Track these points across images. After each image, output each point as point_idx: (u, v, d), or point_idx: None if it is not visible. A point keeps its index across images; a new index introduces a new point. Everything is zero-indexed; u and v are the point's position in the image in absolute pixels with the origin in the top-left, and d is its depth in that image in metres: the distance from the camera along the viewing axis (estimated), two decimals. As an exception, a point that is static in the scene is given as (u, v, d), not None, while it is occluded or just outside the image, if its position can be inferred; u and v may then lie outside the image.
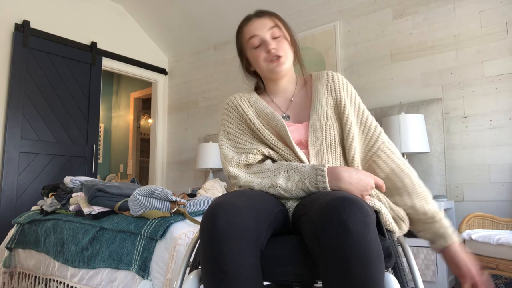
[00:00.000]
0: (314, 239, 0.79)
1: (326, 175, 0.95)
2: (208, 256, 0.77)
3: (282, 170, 1.02)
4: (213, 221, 0.78)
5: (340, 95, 1.14)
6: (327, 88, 1.16)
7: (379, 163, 1.10)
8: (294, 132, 1.12)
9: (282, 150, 1.08)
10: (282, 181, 1.00)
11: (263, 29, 1.15)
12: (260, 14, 1.18)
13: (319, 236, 0.77)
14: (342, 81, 1.17)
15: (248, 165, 1.09)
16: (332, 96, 1.15)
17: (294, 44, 1.21)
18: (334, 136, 1.09)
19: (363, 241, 0.73)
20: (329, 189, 0.95)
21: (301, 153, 1.06)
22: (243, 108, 1.18)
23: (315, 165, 0.99)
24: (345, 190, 0.95)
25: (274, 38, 1.15)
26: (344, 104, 1.12)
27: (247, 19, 1.19)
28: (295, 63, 1.24)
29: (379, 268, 0.74)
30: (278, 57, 1.13)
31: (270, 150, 1.10)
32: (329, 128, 1.09)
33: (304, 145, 1.10)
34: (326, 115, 1.12)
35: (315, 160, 1.07)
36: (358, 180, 0.96)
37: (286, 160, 1.08)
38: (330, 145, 1.08)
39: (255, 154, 1.09)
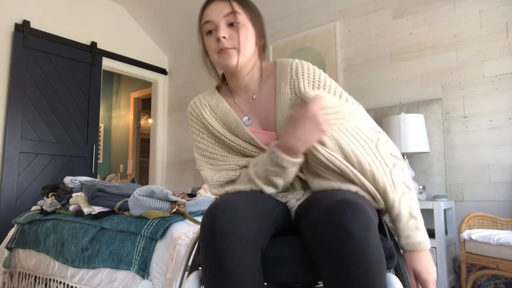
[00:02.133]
0: (314, 242, 0.78)
1: (281, 155, 0.93)
2: (209, 256, 0.76)
3: (251, 174, 0.98)
4: (213, 220, 0.77)
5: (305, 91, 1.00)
6: (290, 85, 1.01)
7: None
8: (266, 140, 1.03)
9: (258, 154, 1.03)
10: (259, 183, 0.97)
11: (219, 14, 0.99)
12: None
13: (319, 239, 0.76)
14: (308, 72, 1.01)
15: (230, 182, 1.03)
16: (297, 94, 1.00)
17: (260, 36, 1.05)
18: None
19: (364, 245, 0.72)
20: (292, 160, 0.93)
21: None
22: (205, 116, 1.08)
23: (268, 150, 0.97)
24: (304, 147, 0.92)
25: (230, 25, 1.00)
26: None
27: (208, 1, 1.04)
28: (264, 59, 1.11)
29: (380, 272, 0.73)
30: (227, 48, 0.98)
31: (248, 159, 1.03)
32: None
33: None
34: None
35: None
36: (304, 133, 0.91)
37: None
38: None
39: (234, 170, 1.03)
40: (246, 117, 1.07)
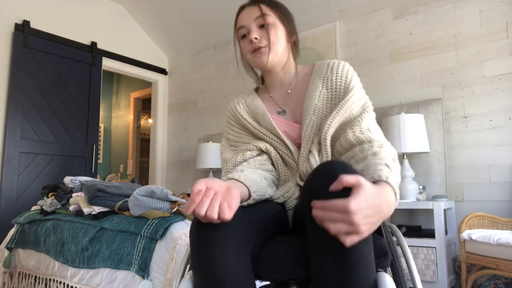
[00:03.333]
0: (305, 220, 0.78)
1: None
2: (197, 261, 0.77)
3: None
4: (200, 226, 0.77)
5: (336, 88, 1.06)
6: (323, 79, 1.08)
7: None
8: (290, 132, 1.10)
9: (277, 143, 1.10)
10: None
11: (250, 18, 1.09)
12: (252, 2, 1.12)
13: (306, 186, 0.77)
14: (342, 70, 1.07)
15: (244, 162, 1.08)
16: (327, 89, 1.07)
17: (290, 33, 1.13)
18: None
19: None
20: None
21: (293, 147, 1.08)
22: (239, 111, 1.18)
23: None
24: None
25: (261, 27, 1.09)
26: (338, 98, 1.04)
27: (241, 8, 1.14)
28: (298, 54, 1.18)
29: (366, 243, 0.72)
30: (260, 47, 1.08)
31: (267, 145, 1.10)
32: (314, 125, 1.05)
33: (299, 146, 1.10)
34: (314, 110, 1.06)
35: (305, 163, 1.04)
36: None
37: (280, 154, 1.09)
38: (319, 144, 1.03)
39: (251, 150, 1.09)
40: (280, 109, 1.15)
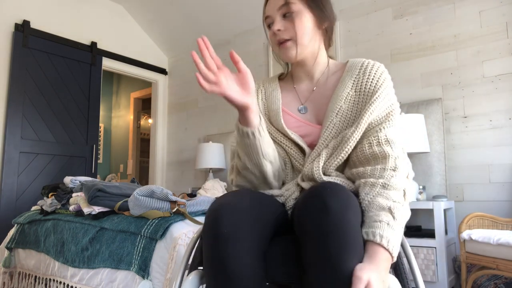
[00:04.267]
0: (299, 225, 0.79)
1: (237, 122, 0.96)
2: (212, 258, 0.76)
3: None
4: (217, 222, 0.77)
5: (364, 91, 0.98)
6: (354, 80, 1.00)
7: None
8: (307, 133, 1.04)
9: (286, 146, 1.05)
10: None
11: (274, 8, 1.02)
12: None
13: (302, 219, 0.77)
14: (376, 73, 0.99)
15: None
16: (355, 91, 1.00)
17: (321, 19, 1.03)
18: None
19: (343, 222, 0.72)
20: (239, 126, 0.95)
21: (307, 150, 1.03)
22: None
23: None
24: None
25: (285, 17, 1.01)
26: (364, 105, 0.97)
27: None
28: (332, 42, 1.10)
29: (355, 247, 0.73)
30: (285, 40, 1.01)
31: (277, 146, 1.05)
32: (334, 127, 0.99)
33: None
34: (338, 112, 0.99)
35: (310, 164, 1.00)
36: None
37: (289, 157, 1.04)
38: (335, 151, 0.98)
39: None
40: (302, 106, 1.07)
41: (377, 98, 0.96)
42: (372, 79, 0.98)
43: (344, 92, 1.00)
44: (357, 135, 0.96)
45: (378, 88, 0.97)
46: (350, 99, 1.00)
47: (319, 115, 1.04)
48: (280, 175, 1.04)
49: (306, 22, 1.01)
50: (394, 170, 0.89)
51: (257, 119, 0.93)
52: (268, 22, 1.05)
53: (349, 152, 0.97)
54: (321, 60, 1.08)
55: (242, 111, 0.91)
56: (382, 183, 0.87)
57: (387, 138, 0.93)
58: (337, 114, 0.99)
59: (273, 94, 1.11)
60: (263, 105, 1.11)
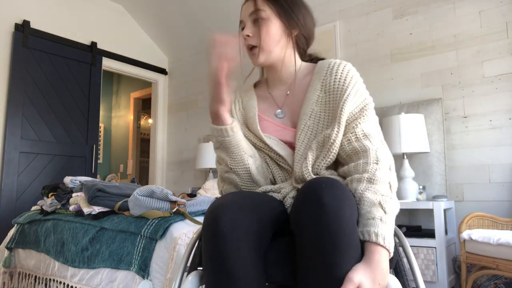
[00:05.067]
0: (294, 220, 0.79)
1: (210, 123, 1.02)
2: (212, 257, 0.76)
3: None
4: (216, 222, 0.77)
5: (332, 91, 1.00)
6: (322, 82, 1.02)
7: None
8: (285, 136, 1.06)
9: (266, 150, 1.06)
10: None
11: (246, 13, 1.06)
12: None
13: (297, 214, 0.78)
14: (342, 72, 1.00)
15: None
16: (325, 92, 1.01)
17: (290, 26, 1.05)
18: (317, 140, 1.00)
19: (337, 217, 0.73)
20: (212, 126, 1.00)
21: (286, 152, 1.05)
22: (233, 111, 1.15)
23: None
24: (213, 112, 0.98)
25: (255, 22, 1.04)
26: (336, 105, 0.98)
27: (244, 2, 1.10)
28: (304, 50, 1.12)
29: (350, 243, 0.74)
30: (252, 47, 1.04)
31: (258, 151, 1.08)
32: (309, 129, 1.01)
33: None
34: (311, 114, 1.02)
35: (299, 168, 1.01)
36: (210, 95, 0.96)
37: (272, 159, 1.06)
38: (322, 152, 0.99)
39: None
40: (279, 110, 1.10)
41: (348, 95, 0.97)
42: (340, 78, 1.00)
43: (315, 94, 1.02)
44: (341, 134, 0.97)
45: (347, 86, 0.98)
46: (321, 101, 1.02)
47: (294, 118, 1.07)
48: (264, 171, 1.06)
49: (272, 29, 1.03)
50: (376, 163, 0.90)
51: (229, 115, 0.98)
52: (242, 27, 1.08)
53: (337, 152, 0.99)
54: (290, 65, 1.09)
55: (217, 110, 0.96)
56: (367, 177, 0.88)
57: (364, 133, 0.96)
58: (310, 117, 1.02)
59: (249, 103, 1.13)
60: (241, 115, 1.13)
